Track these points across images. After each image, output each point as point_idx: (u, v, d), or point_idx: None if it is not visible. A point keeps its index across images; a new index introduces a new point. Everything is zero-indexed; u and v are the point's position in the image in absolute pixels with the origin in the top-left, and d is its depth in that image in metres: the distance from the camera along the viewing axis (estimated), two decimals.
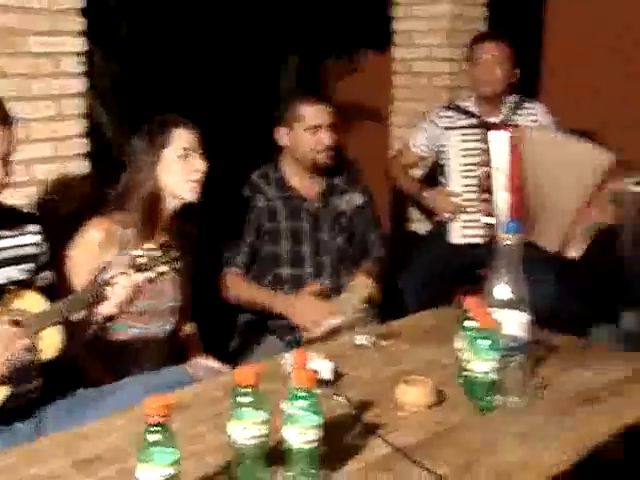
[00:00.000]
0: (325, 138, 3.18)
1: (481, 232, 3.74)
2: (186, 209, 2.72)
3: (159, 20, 5.43)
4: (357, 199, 3.35)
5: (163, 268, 2.24)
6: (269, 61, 5.92)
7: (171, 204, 2.68)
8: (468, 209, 3.81)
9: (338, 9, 5.98)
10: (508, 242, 2.12)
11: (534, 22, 5.32)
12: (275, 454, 1.70)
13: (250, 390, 1.63)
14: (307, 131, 3.18)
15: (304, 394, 1.63)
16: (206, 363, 2.78)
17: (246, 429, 1.62)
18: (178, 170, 2.65)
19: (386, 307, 3.15)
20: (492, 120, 3.87)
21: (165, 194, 2.67)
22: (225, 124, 5.68)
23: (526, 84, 4.36)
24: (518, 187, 3.64)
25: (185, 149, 2.64)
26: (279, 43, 5.94)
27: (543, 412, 2.03)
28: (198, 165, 2.66)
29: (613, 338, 2.83)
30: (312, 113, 3.19)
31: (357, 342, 2.45)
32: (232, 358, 3.06)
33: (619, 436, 2.01)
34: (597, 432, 1.93)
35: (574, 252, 3.62)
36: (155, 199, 2.64)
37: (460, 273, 3.67)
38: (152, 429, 1.47)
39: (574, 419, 2.00)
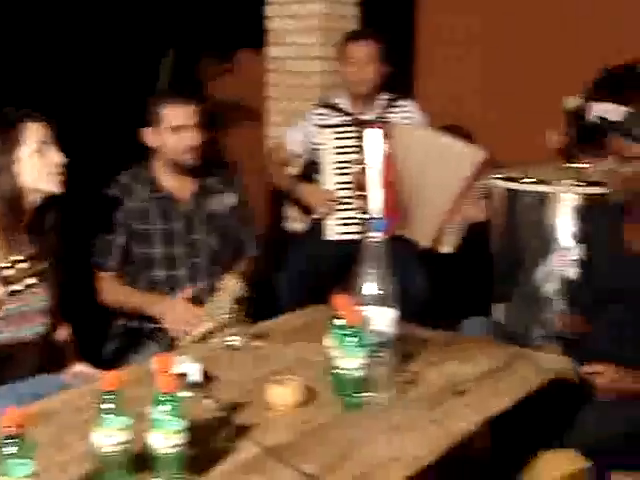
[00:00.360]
0: (188, 138, 3.14)
1: (356, 229, 3.76)
2: (48, 205, 2.63)
3: (23, 13, 5.33)
4: (231, 199, 3.32)
5: (31, 280, 2.18)
6: (145, 60, 5.81)
7: (33, 200, 2.59)
8: (343, 206, 3.84)
9: (213, 8, 5.95)
10: (374, 239, 2.14)
11: (406, 21, 5.37)
12: (142, 460, 1.68)
13: (114, 395, 1.60)
14: (170, 131, 3.15)
15: (168, 398, 1.61)
16: (81, 370, 2.72)
17: (109, 436, 1.59)
18: (36, 165, 2.55)
19: (262, 306, 3.14)
20: (365, 117, 3.92)
21: (26, 192, 2.58)
22: (96, 125, 5.63)
23: (400, 83, 4.44)
24: (391, 183, 3.69)
25: (39, 143, 2.55)
26: (154, 42, 5.87)
27: (411, 406, 2.06)
28: (56, 158, 2.57)
29: (484, 330, 2.88)
30: (173, 113, 3.15)
31: (228, 343, 2.44)
32: (109, 363, 3.01)
33: (486, 425, 2.06)
34: (464, 424, 1.97)
35: (447, 247, 3.70)
36: (17, 198, 2.56)
37: (337, 271, 3.68)
38: (7, 441, 1.43)
39: (442, 412, 2.03)
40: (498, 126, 4.71)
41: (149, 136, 3.19)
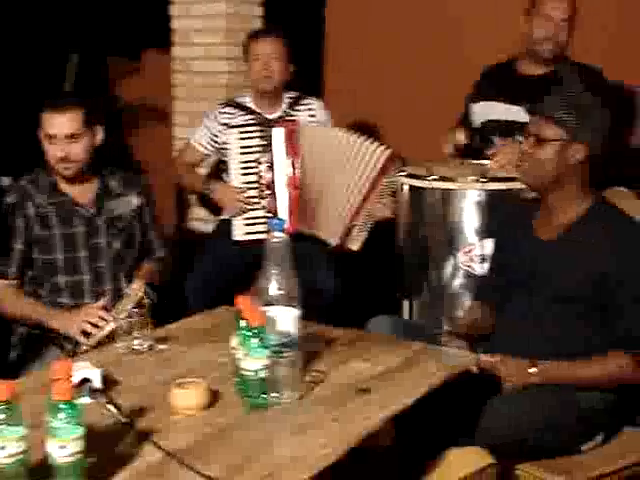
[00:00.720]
0: (58, 149, 3.04)
1: (263, 228, 3.74)
2: None
3: None
4: (134, 201, 3.28)
5: None
6: (49, 61, 5.76)
7: None
8: (250, 206, 3.83)
9: (119, 8, 5.87)
10: (275, 239, 2.14)
11: (315, 21, 5.43)
12: (44, 470, 1.65)
13: (5, 406, 1.57)
14: (45, 139, 3.08)
15: (63, 406, 1.59)
16: None
17: (2, 448, 1.56)
18: None
19: (170, 309, 3.11)
20: (271, 116, 3.92)
21: None
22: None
23: (309, 81, 4.51)
24: (296, 182, 3.72)
25: None
26: (60, 43, 5.80)
27: (316, 406, 2.07)
28: None
29: (391, 328, 2.90)
30: (48, 122, 3.06)
31: (132, 347, 2.42)
32: (14, 371, 2.94)
33: (390, 423, 2.08)
34: (368, 422, 1.99)
35: (354, 245, 3.72)
36: None
37: (245, 271, 3.68)
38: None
39: (346, 411, 2.04)
40: (405, 124, 4.77)
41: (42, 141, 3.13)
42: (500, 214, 3.04)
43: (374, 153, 3.66)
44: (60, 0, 5.68)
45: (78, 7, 5.80)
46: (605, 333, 2.54)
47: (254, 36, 3.98)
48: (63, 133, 3.02)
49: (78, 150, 3.08)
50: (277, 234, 2.14)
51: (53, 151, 3.06)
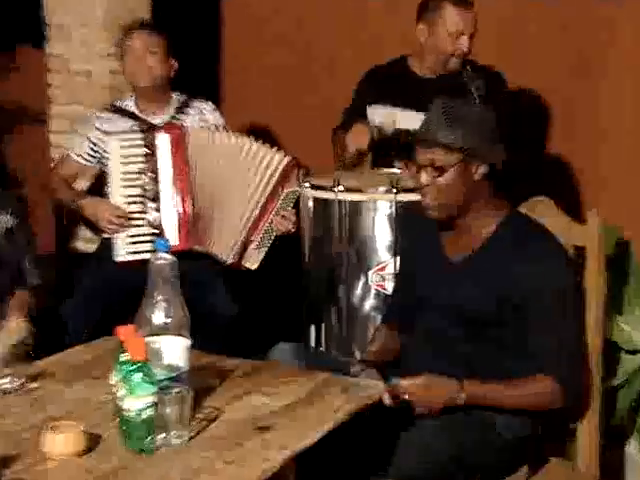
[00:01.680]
0: None
1: (149, 247, 3.67)
2: None
3: None
4: (7, 221, 3.23)
5: None
6: None
7: None
8: (134, 222, 3.76)
9: None
10: (159, 260, 2.13)
11: (210, 15, 5.45)
12: None
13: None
14: None
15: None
16: None
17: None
18: None
19: (47, 339, 3.05)
20: (156, 121, 3.90)
21: None
22: None
23: (204, 84, 4.54)
24: (185, 194, 3.70)
25: None
26: None
27: (210, 447, 2.05)
28: None
29: (295, 357, 2.90)
30: None
31: (1, 386, 2.37)
32: None
33: (292, 462, 2.08)
34: (266, 463, 1.98)
35: (251, 263, 3.71)
36: None
37: (130, 296, 3.62)
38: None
39: (243, 452, 2.03)
40: (310, 129, 4.79)
41: None
42: (410, 228, 3.05)
43: (272, 160, 3.67)
44: None
45: None
46: (521, 354, 2.58)
47: (127, 29, 3.97)
48: None
49: None
50: (162, 254, 2.13)
51: None
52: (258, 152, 3.69)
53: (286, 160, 3.65)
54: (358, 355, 3.27)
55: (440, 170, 2.57)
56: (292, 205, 3.67)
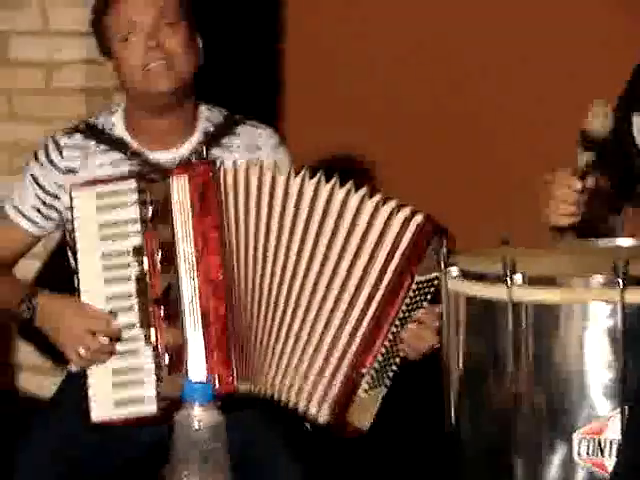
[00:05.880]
0: None
1: (151, 392, 2.06)
2: None
3: None
4: None
5: None
6: None
7: None
8: (124, 344, 2.08)
9: None
10: (193, 420, 1.55)
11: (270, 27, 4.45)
12: None
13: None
14: None
15: None
16: None
17: None
18: None
19: None
20: (163, 157, 2.26)
21: None
22: None
23: (257, 103, 3.63)
24: (220, 287, 2.03)
25: None
26: None
27: None
28: None
29: None
30: None
31: None
32: None
33: None
34: None
35: (361, 420, 2.06)
36: None
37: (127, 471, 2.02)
38: None
39: None
40: (409, 168, 3.82)
41: None
42: None
43: (392, 220, 2.07)
44: None
45: None
46: None
47: None
48: None
49: None
50: (199, 409, 1.55)
51: None
52: (362, 207, 2.07)
53: (419, 219, 2.03)
54: None
55: None
56: (427, 301, 2.07)
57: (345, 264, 2.04)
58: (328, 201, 2.07)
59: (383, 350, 2.02)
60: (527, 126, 3.66)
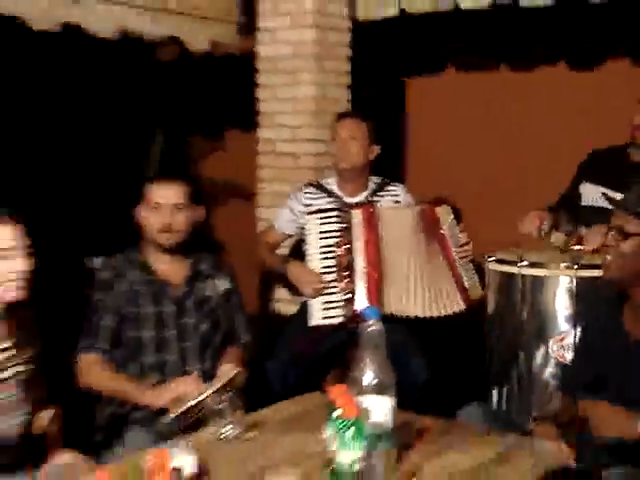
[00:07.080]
0: (165, 217, 3.17)
1: (341, 312, 3.69)
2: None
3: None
4: (222, 284, 3.32)
5: (19, 368, 2.12)
6: (135, 139, 5.97)
7: None
8: (328, 290, 3.73)
9: (205, 88, 6.11)
10: (370, 327, 2.12)
11: (397, 105, 5.55)
12: None
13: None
14: (150, 209, 3.20)
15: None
16: (61, 463, 2.58)
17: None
18: None
19: (253, 394, 3.01)
20: (353, 200, 3.94)
21: None
22: (90, 203, 5.65)
23: (390, 166, 4.54)
24: (375, 265, 3.66)
25: (2, 249, 2.45)
26: (145, 122, 6.00)
27: None
28: (19, 266, 2.48)
29: (481, 417, 2.85)
30: (155, 191, 3.20)
31: (222, 434, 2.41)
32: (97, 450, 2.93)
33: None
34: None
35: (475, 291, 3.75)
36: None
37: (327, 355, 3.66)
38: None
39: None
40: (488, 206, 4.86)
41: (139, 215, 3.23)
42: (591, 303, 2.99)
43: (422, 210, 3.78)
44: (149, 78, 5.91)
45: (167, 88, 6.04)
46: None
47: (338, 117, 4.06)
48: (170, 202, 3.17)
49: (181, 220, 3.19)
50: (372, 322, 2.13)
51: (158, 219, 3.17)
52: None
53: (421, 207, 3.81)
54: (537, 416, 3.17)
55: (625, 236, 2.52)
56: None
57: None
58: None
59: (459, 262, 3.71)
60: None
